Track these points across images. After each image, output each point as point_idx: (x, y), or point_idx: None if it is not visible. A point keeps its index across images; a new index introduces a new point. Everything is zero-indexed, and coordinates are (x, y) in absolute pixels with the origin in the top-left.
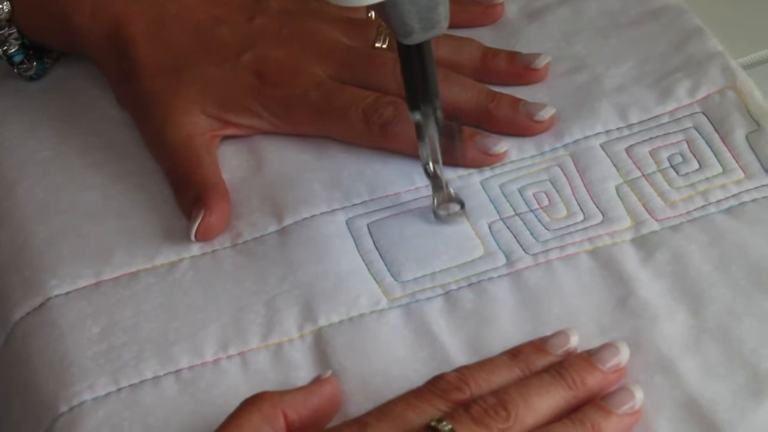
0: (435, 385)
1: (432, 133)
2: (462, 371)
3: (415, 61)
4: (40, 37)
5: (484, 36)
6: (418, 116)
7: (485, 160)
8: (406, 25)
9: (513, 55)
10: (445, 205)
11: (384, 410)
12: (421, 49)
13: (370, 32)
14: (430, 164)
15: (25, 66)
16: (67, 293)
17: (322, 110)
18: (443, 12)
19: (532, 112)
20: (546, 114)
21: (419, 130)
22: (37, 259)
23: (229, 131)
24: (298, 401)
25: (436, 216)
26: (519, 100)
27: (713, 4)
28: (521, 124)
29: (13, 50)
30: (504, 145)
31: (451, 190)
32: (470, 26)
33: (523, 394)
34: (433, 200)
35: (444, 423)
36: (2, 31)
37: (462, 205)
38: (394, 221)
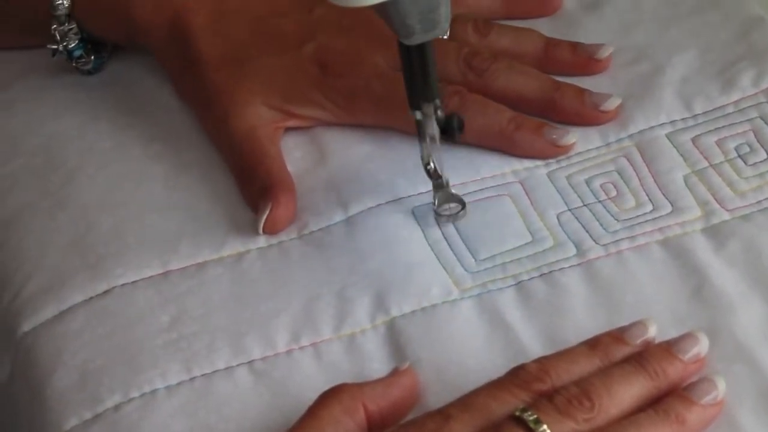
0: (516, 376)
1: (433, 132)
2: (542, 361)
3: (416, 62)
4: (100, 32)
5: (543, 27)
6: (419, 116)
7: (554, 151)
8: (407, 25)
9: (575, 46)
10: (446, 205)
11: (466, 401)
12: (422, 49)
13: None
14: (431, 163)
15: (83, 60)
16: (134, 282)
17: (384, 100)
18: (444, 13)
19: (598, 102)
20: (612, 104)
21: (420, 129)
22: (101, 247)
23: (292, 123)
24: (377, 393)
25: (437, 216)
26: (584, 90)
27: None
28: (587, 115)
29: (72, 45)
30: (573, 137)
31: (452, 190)
32: (528, 17)
33: (606, 384)
34: (434, 200)
35: (529, 413)
36: (62, 27)
37: (463, 205)
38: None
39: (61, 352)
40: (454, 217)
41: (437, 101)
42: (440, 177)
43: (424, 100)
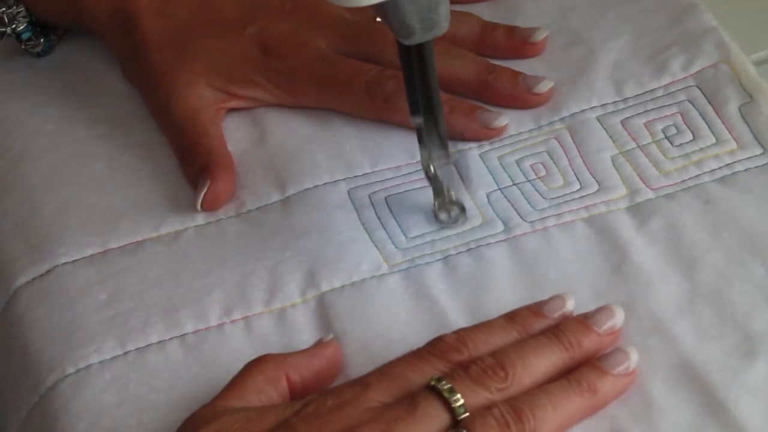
0: (434, 347)
1: (433, 135)
2: (461, 333)
3: (415, 62)
4: (47, 15)
5: (483, 11)
6: (418, 119)
7: (486, 134)
8: (407, 25)
9: (512, 29)
10: (446, 208)
11: (385, 371)
12: (421, 49)
13: None
14: (431, 167)
15: (32, 43)
16: (74, 261)
17: (325, 82)
18: (444, 12)
19: (531, 84)
20: (544, 87)
21: (420, 134)
22: (44, 228)
23: (234, 103)
24: (300, 363)
25: (437, 219)
26: (518, 73)
27: (716, 3)
28: (520, 97)
29: (21, 28)
30: (504, 119)
31: (452, 193)
32: (469, 2)
33: (521, 355)
34: (434, 203)
35: (443, 382)
36: (10, 10)
37: (463, 208)
38: (395, 192)
39: (10, 340)
40: (452, 222)
41: (438, 104)
42: (439, 180)
43: (424, 103)
